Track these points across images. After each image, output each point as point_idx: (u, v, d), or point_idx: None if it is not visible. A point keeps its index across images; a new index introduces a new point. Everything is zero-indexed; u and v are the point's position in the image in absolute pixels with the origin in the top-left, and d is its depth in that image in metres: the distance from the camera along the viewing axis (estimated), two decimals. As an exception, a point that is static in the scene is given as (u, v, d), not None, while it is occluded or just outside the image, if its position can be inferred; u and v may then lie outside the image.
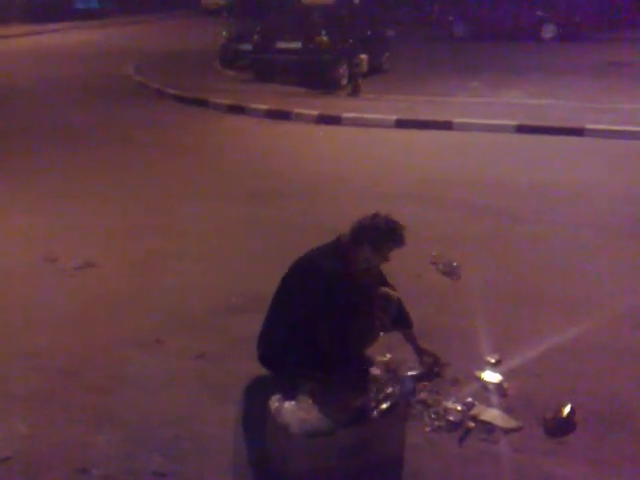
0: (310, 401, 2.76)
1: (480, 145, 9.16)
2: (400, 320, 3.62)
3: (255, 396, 3.24)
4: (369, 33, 14.18)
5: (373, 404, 2.84)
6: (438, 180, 7.32)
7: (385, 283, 3.58)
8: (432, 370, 3.59)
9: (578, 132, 9.45)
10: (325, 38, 12.79)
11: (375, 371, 3.43)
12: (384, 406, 2.86)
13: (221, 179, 7.32)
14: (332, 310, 3.16)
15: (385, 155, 8.53)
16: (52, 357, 3.73)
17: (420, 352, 3.65)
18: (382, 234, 3.22)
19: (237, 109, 10.88)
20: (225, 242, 5.50)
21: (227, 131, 9.89)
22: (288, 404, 2.77)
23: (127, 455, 2.92)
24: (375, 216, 3.29)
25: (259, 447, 2.94)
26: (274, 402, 2.83)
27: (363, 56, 12.26)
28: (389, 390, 2.93)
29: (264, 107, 10.73)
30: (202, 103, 11.34)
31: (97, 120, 10.45)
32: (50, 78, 14.47)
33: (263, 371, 3.45)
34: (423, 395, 3.39)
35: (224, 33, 16.03)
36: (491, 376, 3.60)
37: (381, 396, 2.88)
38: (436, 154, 8.62)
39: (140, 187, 7.01)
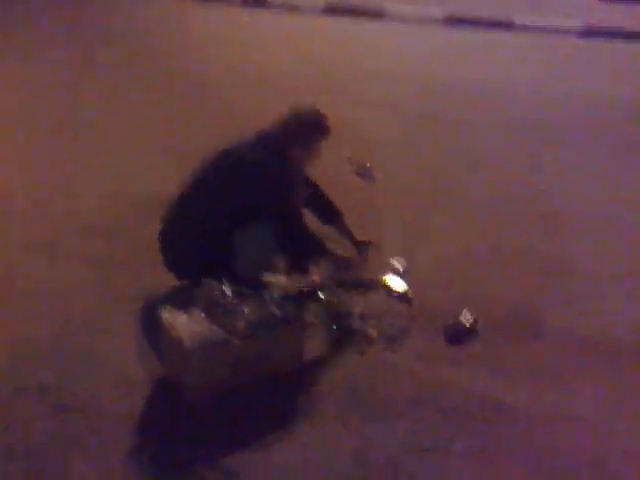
0: (202, 314, 2.64)
1: (410, 36, 8.87)
2: (329, 214, 3.55)
3: (155, 306, 3.08)
4: None
5: (269, 316, 2.74)
6: (362, 76, 7.06)
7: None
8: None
9: (507, 27, 9.26)
10: None
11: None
12: (283, 318, 2.77)
13: (132, 69, 6.84)
14: (283, 210, 3.07)
15: (309, 46, 8.14)
16: None
17: (357, 244, 3.58)
18: (308, 129, 3.06)
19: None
20: (133, 137, 5.18)
21: (146, 15, 9.22)
22: (181, 317, 2.64)
23: (13, 367, 2.76)
24: (297, 111, 3.12)
25: (154, 359, 2.83)
26: (166, 315, 2.69)
27: None
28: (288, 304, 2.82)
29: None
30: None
31: None
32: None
33: (162, 280, 3.29)
34: (329, 304, 3.32)
35: None
36: (396, 283, 3.54)
37: (276, 307, 2.78)
38: (363, 46, 8.29)
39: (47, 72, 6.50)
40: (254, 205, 3.08)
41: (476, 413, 2.71)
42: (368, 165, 4.95)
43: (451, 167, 5.15)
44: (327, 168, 4.69)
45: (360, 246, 3.60)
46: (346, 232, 3.62)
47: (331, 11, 9.59)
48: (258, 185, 3.08)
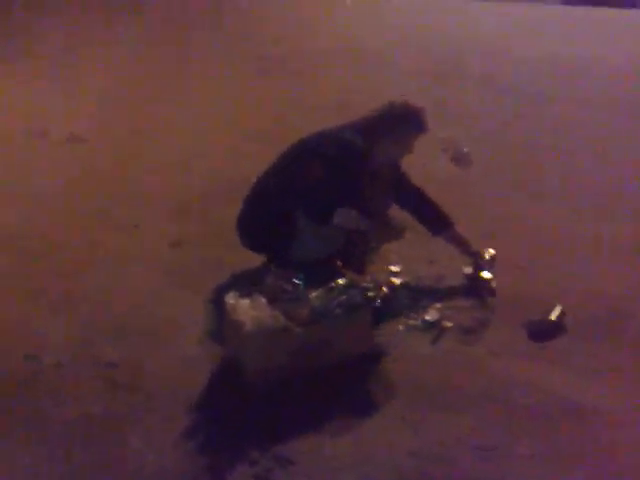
0: (263, 300, 2.60)
1: (523, 17, 8.47)
2: (436, 221, 3.38)
3: (224, 289, 3.08)
4: None
5: (334, 304, 2.67)
6: (468, 53, 6.81)
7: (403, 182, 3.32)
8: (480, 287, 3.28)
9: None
10: None
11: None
12: (348, 307, 2.70)
13: (228, 45, 6.95)
14: (336, 185, 2.91)
15: (416, 23, 7.96)
16: (24, 238, 3.64)
17: (472, 254, 3.36)
18: (402, 122, 2.97)
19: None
20: (223, 118, 5.22)
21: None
22: (242, 301, 2.62)
23: (81, 343, 2.84)
24: (391, 104, 3.04)
25: (218, 342, 2.83)
26: (230, 299, 2.68)
27: None
28: (355, 291, 2.74)
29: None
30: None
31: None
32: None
33: (237, 261, 3.30)
34: (400, 293, 3.22)
35: None
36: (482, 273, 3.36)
37: (344, 297, 2.70)
38: (473, 22, 8.00)
39: (133, 56, 6.69)
40: (330, 183, 2.98)
41: (547, 413, 2.52)
42: (466, 149, 4.77)
43: (547, 147, 4.85)
44: (413, 156, 4.64)
45: (477, 258, 3.36)
46: (459, 242, 3.40)
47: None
48: (337, 160, 2.97)
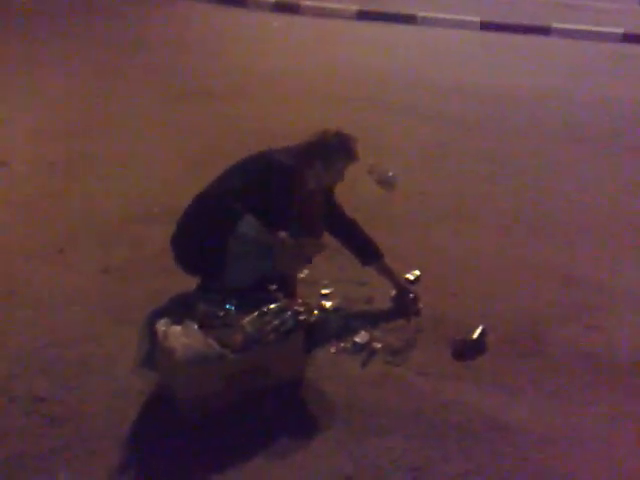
0: (195, 326, 2.61)
1: (444, 43, 8.76)
2: (365, 252, 3.43)
3: (155, 317, 3.06)
4: None
5: (267, 329, 2.70)
6: (394, 81, 7.01)
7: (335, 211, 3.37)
8: (407, 310, 3.37)
9: (544, 31, 9.07)
10: None
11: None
12: (281, 331, 2.74)
13: (156, 74, 6.91)
14: (263, 204, 2.95)
15: (341, 51, 8.13)
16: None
17: (399, 288, 3.43)
18: (333, 150, 3.02)
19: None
20: (151, 146, 5.20)
21: (172, 18, 9.31)
22: (174, 328, 2.62)
23: (7, 377, 2.77)
24: (325, 132, 3.09)
25: (149, 372, 2.81)
26: (161, 326, 2.67)
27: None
28: (287, 315, 2.78)
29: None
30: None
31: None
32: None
33: (169, 289, 3.29)
34: (331, 316, 3.29)
35: None
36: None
37: (278, 321, 2.74)
38: (396, 52, 8.21)
39: (74, 79, 6.60)
40: (257, 202, 3.01)
41: (475, 431, 2.63)
42: (390, 174, 4.91)
43: (477, 175, 5.03)
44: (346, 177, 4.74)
45: (403, 292, 3.43)
46: (388, 273, 3.46)
47: (364, 17, 9.53)
48: (264, 180, 3.02)
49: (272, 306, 2.81)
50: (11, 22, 8.72)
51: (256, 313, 2.76)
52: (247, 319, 2.72)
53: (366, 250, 3.44)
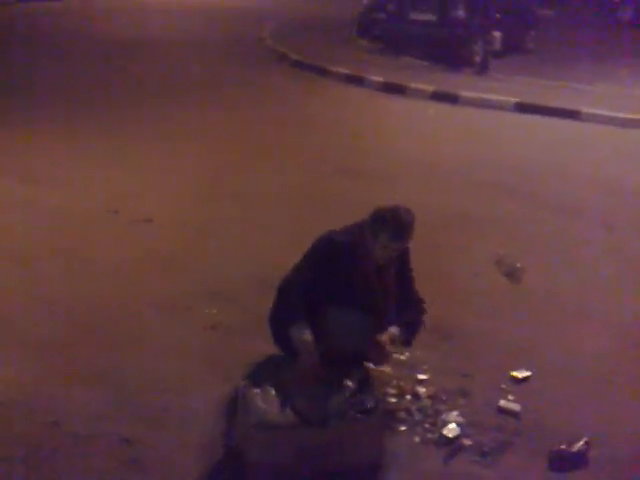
0: (273, 392, 2.64)
1: (605, 141, 8.44)
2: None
3: (246, 377, 3.13)
4: (509, 10, 13.38)
5: (348, 405, 2.67)
6: (542, 173, 6.82)
7: (404, 283, 3.28)
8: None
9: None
10: (461, 12, 12.29)
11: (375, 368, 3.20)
12: (359, 410, 2.69)
13: (312, 150, 7.22)
14: (320, 281, 3.00)
15: (492, 140, 8.08)
16: (75, 308, 3.84)
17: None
18: (384, 224, 2.97)
19: (354, 79, 10.69)
20: (292, 216, 5.39)
21: (336, 101, 9.74)
22: (253, 391, 2.67)
23: (103, 416, 2.94)
24: (392, 207, 3.06)
25: (229, 431, 2.87)
26: (242, 387, 2.74)
27: (496, 34, 11.65)
28: (368, 395, 2.74)
29: (380, 79, 10.48)
30: (320, 71, 11.24)
31: (203, 77, 10.69)
32: (188, 34, 14.94)
33: (268, 352, 3.35)
34: (424, 402, 3.18)
35: (364, 0, 15.81)
36: (509, 405, 3.26)
37: (358, 399, 2.71)
38: (552, 146, 8.02)
39: (225, 150, 7.05)
40: (312, 280, 3.06)
41: None
42: (518, 265, 4.78)
43: (614, 280, 4.72)
44: (468, 265, 4.65)
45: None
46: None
47: (524, 109, 9.45)
48: (317, 259, 3.09)
49: (357, 378, 2.78)
50: (187, 92, 9.53)
51: (339, 387, 2.74)
52: (330, 392, 2.71)
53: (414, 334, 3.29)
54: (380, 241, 2.98)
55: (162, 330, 3.69)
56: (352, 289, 3.04)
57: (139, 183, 5.91)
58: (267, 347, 3.37)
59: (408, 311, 3.24)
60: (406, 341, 3.24)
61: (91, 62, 11.30)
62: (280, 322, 3.15)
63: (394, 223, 2.96)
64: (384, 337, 3.07)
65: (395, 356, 3.45)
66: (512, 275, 4.66)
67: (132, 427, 2.89)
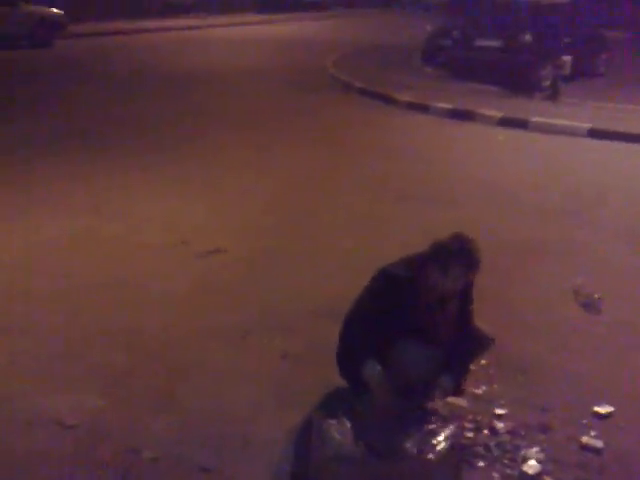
0: (348, 424, 2.61)
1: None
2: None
3: (319, 407, 3.13)
4: (579, 33, 13.18)
5: (422, 440, 2.62)
6: (617, 201, 6.63)
7: (466, 316, 3.20)
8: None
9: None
10: (528, 37, 12.17)
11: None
12: (435, 445, 2.64)
13: (376, 177, 7.22)
14: (377, 315, 2.97)
15: (564, 167, 7.90)
16: (140, 337, 3.89)
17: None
18: (451, 254, 2.91)
19: (419, 107, 10.66)
20: (356, 242, 5.39)
21: (401, 129, 9.71)
22: (328, 422, 2.65)
23: (179, 443, 2.97)
24: (454, 236, 3.00)
25: (303, 460, 2.85)
26: (318, 417, 2.72)
27: (566, 58, 11.44)
28: (445, 431, 2.68)
29: (447, 106, 10.42)
30: (385, 98, 11.26)
31: (269, 108, 10.82)
32: (252, 64, 15.24)
33: (340, 381, 3.33)
34: (503, 437, 3.09)
35: (428, 27, 15.85)
36: (591, 441, 3.14)
37: (433, 434, 2.65)
38: (626, 172, 7.79)
39: (292, 180, 7.10)
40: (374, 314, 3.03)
41: None
42: (596, 296, 4.63)
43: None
44: (541, 297, 4.53)
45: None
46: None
47: (596, 135, 9.24)
48: (376, 293, 3.07)
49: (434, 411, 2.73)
50: (255, 122, 9.70)
51: (415, 422, 2.70)
52: (402, 424, 2.67)
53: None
54: (451, 273, 2.92)
55: (229, 359, 3.71)
56: (415, 323, 3.00)
57: (209, 215, 6.00)
58: (336, 377, 3.35)
59: (467, 345, 3.17)
60: (456, 387, 3.15)
61: (160, 97, 11.57)
62: (348, 357, 3.14)
63: (464, 252, 2.91)
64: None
65: (471, 389, 3.40)
66: (590, 306, 4.52)
67: (208, 455, 2.91)
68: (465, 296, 3.13)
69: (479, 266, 2.97)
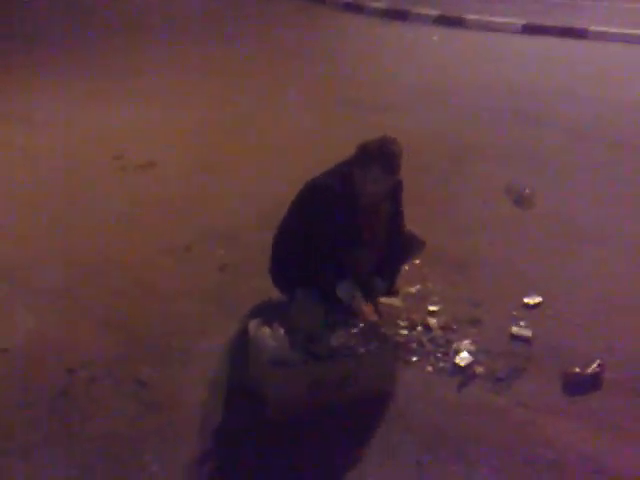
0: (282, 330, 2.64)
1: (614, 59, 8.22)
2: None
3: (253, 316, 3.13)
4: None
5: (351, 340, 2.68)
6: (551, 96, 6.67)
7: (396, 220, 3.18)
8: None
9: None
10: None
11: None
12: (368, 343, 2.70)
13: (313, 84, 7.08)
14: (316, 229, 2.95)
15: (500, 65, 7.87)
16: (84, 256, 3.82)
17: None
18: (372, 157, 2.84)
19: (354, 7, 10.38)
20: (294, 152, 5.32)
21: (335, 32, 9.50)
22: (263, 330, 2.67)
23: (116, 360, 2.97)
24: (377, 139, 2.91)
25: (242, 369, 2.89)
26: (253, 326, 2.74)
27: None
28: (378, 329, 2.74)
29: (381, 6, 10.17)
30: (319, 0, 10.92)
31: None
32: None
33: (273, 290, 3.35)
34: (436, 333, 3.18)
35: None
36: (521, 330, 3.26)
37: (366, 335, 2.71)
38: (560, 67, 7.81)
39: (228, 85, 6.93)
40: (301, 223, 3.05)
41: (571, 472, 2.43)
42: (527, 191, 4.71)
43: (622, 200, 4.65)
44: (476, 195, 4.59)
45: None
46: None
47: (530, 31, 9.18)
48: (303, 202, 3.05)
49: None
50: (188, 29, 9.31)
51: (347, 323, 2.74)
52: (334, 334, 2.72)
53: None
54: (370, 176, 2.86)
55: (171, 274, 3.68)
56: (351, 228, 2.99)
57: (144, 124, 5.82)
58: (271, 287, 3.35)
59: (398, 248, 3.19)
60: (389, 288, 3.22)
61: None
62: (283, 270, 3.17)
63: (383, 155, 2.84)
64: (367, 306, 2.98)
65: (405, 289, 3.47)
66: (522, 202, 4.60)
67: (147, 369, 2.92)
68: (393, 200, 3.11)
69: (398, 169, 2.91)
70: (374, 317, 2.87)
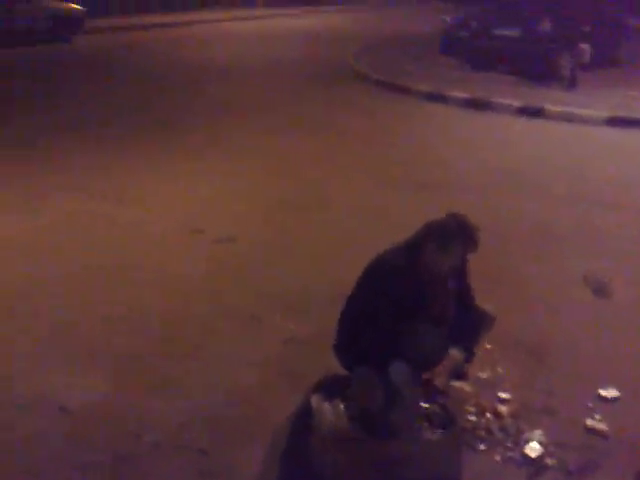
0: (342, 406, 2.61)
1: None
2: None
3: (319, 390, 3.10)
4: (600, 21, 12.96)
5: (419, 422, 2.62)
6: (632, 188, 6.55)
7: (465, 293, 3.18)
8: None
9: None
10: (546, 25, 12.00)
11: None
12: (436, 427, 2.63)
13: (393, 166, 7.19)
14: (385, 307, 2.92)
15: (580, 154, 7.81)
16: (152, 321, 3.93)
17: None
18: (450, 234, 2.88)
19: (437, 97, 10.57)
20: (368, 230, 5.37)
21: (418, 119, 9.67)
22: (324, 405, 2.65)
23: (180, 427, 2.99)
24: (450, 215, 2.97)
25: (302, 442, 2.85)
26: (315, 400, 2.73)
27: (584, 46, 11.27)
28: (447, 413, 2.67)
29: (464, 95, 10.33)
30: (404, 89, 11.16)
31: (282, 99, 10.76)
32: (272, 57, 15.17)
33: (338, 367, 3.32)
34: (506, 421, 3.07)
35: (447, 19, 15.68)
36: (596, 424, 3.10)
37: (433, 418, 2.64)
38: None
39: (309, 166, 7.10)
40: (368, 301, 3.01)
41: None
42: (607, 280, 4.57)
43: None
44: (553, 280, 4.49)
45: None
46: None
47: (614, 123, 9.10)
48: (370, 279, 3.03)
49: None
50: (273, 111, 9.68)
51: (412, 402, 2.69)
52: (396, 405, 2.66)
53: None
54: (451, 252, 2.88)
55: (236, 342, 3.73)
56: (419, 306, 2.98)
57: (226, 202, 6.02)
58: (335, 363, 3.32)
59: (469, 321, 3.14)
60: (467, 358, 3.13)
61: (179, 91, 11.55)
62: (351, 350, 3.12)
63: (462, 231, 2.88)
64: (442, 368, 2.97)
65: (474, 374, 3.38)
66: (600, 291, 4.47)
67: (208, 438, 2.93)
68: (461, 273, 3.11)
69: (477, 242, 2.93)
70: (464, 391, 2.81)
